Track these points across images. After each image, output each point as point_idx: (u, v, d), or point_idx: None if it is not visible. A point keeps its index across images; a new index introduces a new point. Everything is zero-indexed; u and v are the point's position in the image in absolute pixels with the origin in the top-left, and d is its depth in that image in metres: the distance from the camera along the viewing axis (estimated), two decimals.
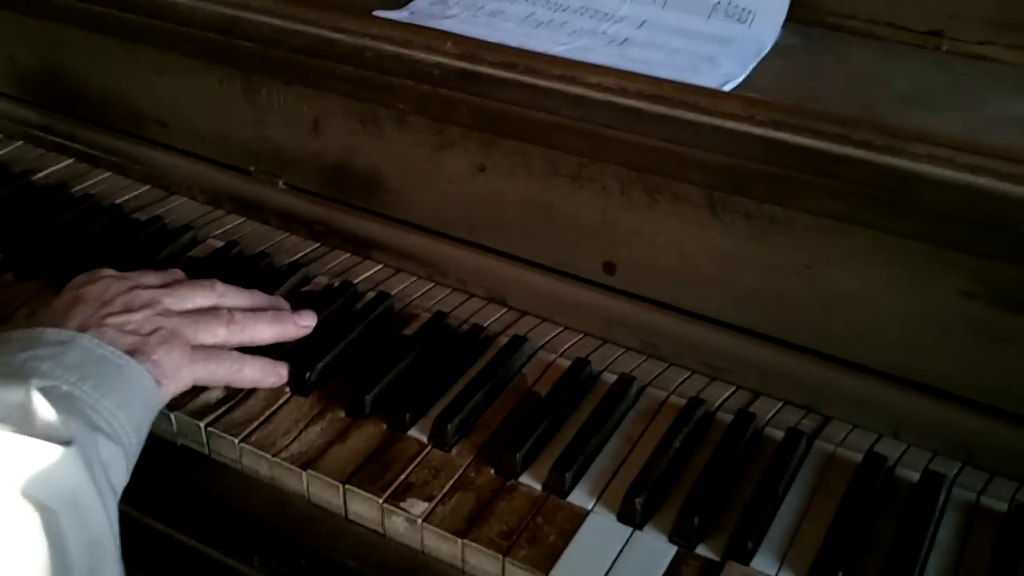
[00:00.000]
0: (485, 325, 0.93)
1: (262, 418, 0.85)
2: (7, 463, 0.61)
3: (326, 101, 0.95)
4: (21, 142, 1.25)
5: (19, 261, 1.01)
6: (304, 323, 0.89)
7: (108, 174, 1.19)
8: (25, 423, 0.63)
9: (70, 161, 1.21)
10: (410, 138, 0.92)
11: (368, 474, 0.79)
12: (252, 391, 0.87)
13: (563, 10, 0.86)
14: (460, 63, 0.81)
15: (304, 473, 0.79)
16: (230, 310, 0.85)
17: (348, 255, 1.03)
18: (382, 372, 0.86)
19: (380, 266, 1.02)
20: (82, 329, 0.74)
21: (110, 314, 0.77)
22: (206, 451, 0.85)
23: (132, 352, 0.75)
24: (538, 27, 0.84)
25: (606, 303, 0.89)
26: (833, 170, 0.68)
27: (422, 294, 0.98)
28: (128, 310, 0.78)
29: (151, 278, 0.86)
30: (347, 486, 0.77)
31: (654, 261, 0.84)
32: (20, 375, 0.67)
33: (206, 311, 0.84)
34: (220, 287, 0.87)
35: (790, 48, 0.84)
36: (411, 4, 0.91)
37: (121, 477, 0.70)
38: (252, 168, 1.07)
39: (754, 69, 0.79)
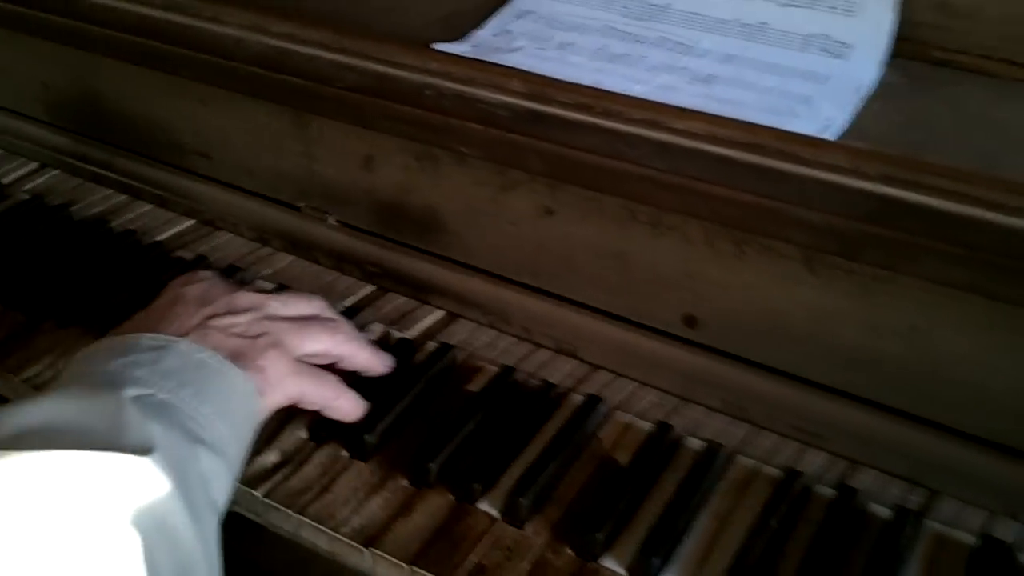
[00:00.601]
0: (555, 380, 0.86)
1: (320, 486, 0.79)
2: (90, 483, 0.57)
3: (380, 137, 0.88)
4: (58, 171, 1.20)
5: (59, 306, 0.96)
6: (388, 362, 0.86)
7: (149, 207, 1.13)
8: (114, 436, 0.59)
9: (109, 192, 1.15)
10: (471, 177, 0.85)
11: (436, 554, 0.73)
12: (309, 456, 0.81)
13: (639, 42, 0.79)
14: (529, 103, 0.74)
15: (367, 551, 0.73)
16: (335, 319, 0.82)
17: (404, 299, 0.96)
18: (447, 436, 0.79)
19: (440, 312, 0.95)
20: (183, 332, 0.71)
21: (214, 315, 0.74)
22: (260, 521, 0.79)
23: (236, 357, 0.71)
24: (613, 61, 0.77)
25: (686, 359, 0.82)
26: (954, 234, 0.61)
27: (485, 344, 0.91)
28: (232, 311, 0.75)
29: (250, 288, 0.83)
30: (415, 568, 0.71)
31: (741, 316, 0.77)
32: (114, 384, 0.63)
33: (310, 318, 0.80)
34: (320, 302, 0.84)
35: (893, 87, 0.77)
36: (473, 35, 0.84)
37: (224, 491, 0.66)
38: (302, 204, 1.00)
39: (854, 112, 0.71)
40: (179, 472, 0.60)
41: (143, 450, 0.59)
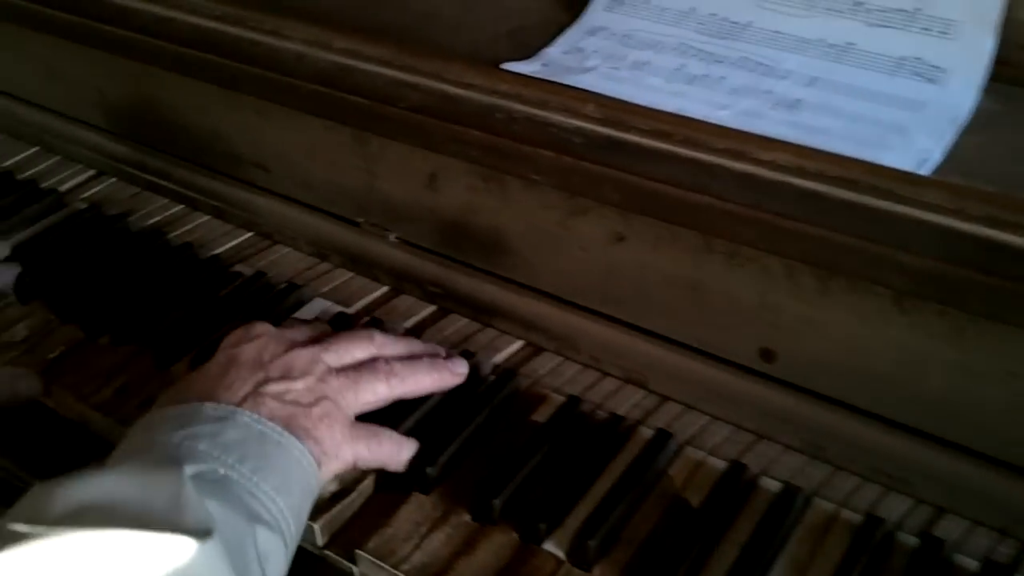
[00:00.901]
0: (622, 411, 0.82)
1: (380, 519, 0.76)
2: (150, 564, 0.56)
3: (445, 157, 0.84)
4: (115, 179, 1.17)
5: (116, 322, 0.95)
6: (459, 370, 0.84)
7: (207, 218, 1.10)
8: (174, 516, 0.58)
9: (166, 201, 1.13)
10: (539, 200, 0.82)
11: None
12: (366, 487, 0.78)
13: (718, 62, 0.75)
14: (604, 129, 0.70)
15: None
16: (388, 361, 0.80)
17: (466, 321, 0.93)
18: (511, 470, 0.77)
19: (506, 336, 0.91)
20: (237, 399, 0.70)
21: (268, 380, 0.72)
22: (318, 553, 0.76)
23: (291, 426, 0.70)
24: (691, 83, 0.73)
25: (762, 394, 0.78)
26: None
27: (550, 371, 0.88)
28: (287, 376, 0.73)
29: (305, 332, 0.82)
30: None
31: (822, 352, 0.73)
32: (175, 459, 0.63)
33: (365, 366, 0.79)
34: (378, 337, 0.82)
35: (991, 115, 0.72)
36: (542, 53, 0.81)
37: (280, 568, 0.65)
38: (361, 220, 0.97)
39: (951, 143, 0.67)
40: (237, 553, 0.59)
41: (202, 532, 0.57)
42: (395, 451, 0.77)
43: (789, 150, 0.65)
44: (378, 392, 0.77)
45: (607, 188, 0.72)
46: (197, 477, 0.61)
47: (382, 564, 0.72)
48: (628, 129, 0.70)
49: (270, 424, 0.68)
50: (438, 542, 0.74)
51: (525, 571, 0.72)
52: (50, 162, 1.23)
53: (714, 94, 0.72)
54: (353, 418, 0.75)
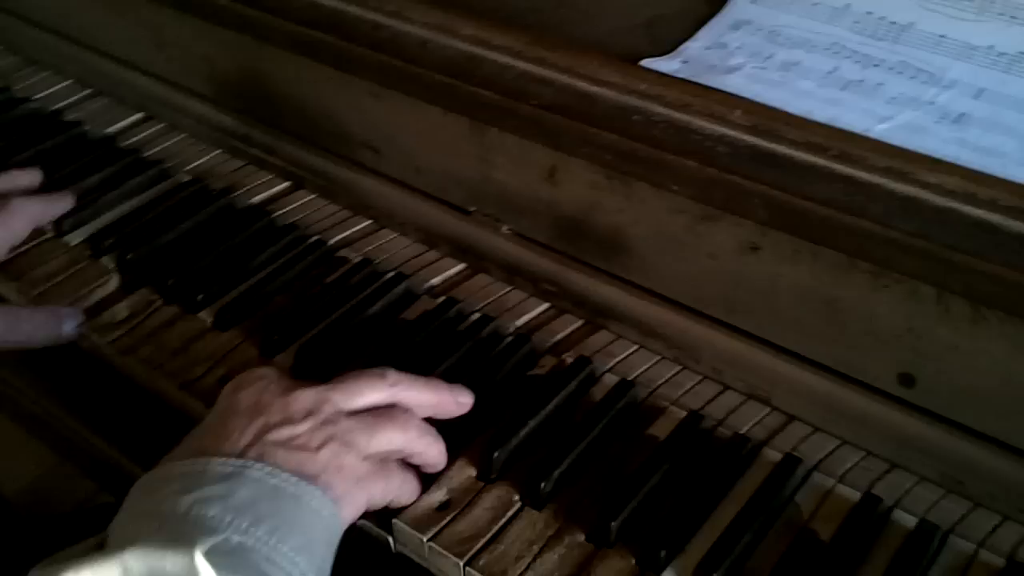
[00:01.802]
0: (744, 428, 0.78)
1: (490, 535, 0.74)
2: None
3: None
4: (220, 150, 1.14)
5: (220, 306, 0.93)
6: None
7: (312, 196, 1.07)
8: None
9: (271, 177, 1.10)
10: (667, 203, 0.78)
11: None
12: (478, 497, 0.76)
13: (875, 66, 0.70)
14: (752, 138, 0.66)
15: None
16: (408, 410, 0.73)
17: (580, 323, 0.89)
18: (629, 491, 0.73)
19: (621, 341, 0.87)
20: (240, 450, 0.64)
21: (269, 426, 0.66)
22: (425, 564, 0.73)
23: (300, 473, 0.64)
24: (846, 89, 0.68)
25: (899, 421, 0.74)
26: None
27: (667, 380, 0.84)
28: (289, 420, 0.67)
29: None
30: None
31: (969, 382, 0.69)
32: (185, 535, 0.58)
33: (383, 412, 0.72)
34: (392, 375, 0.75)
35: None
36: (683, 48, 0.76)
37: None
38: (473, 208, 0.93)
39: None
40: None
41: None
42: (410, 490, 0.74)
43: (958, 173, 0.59)
44: (393, 441, 0.71)
45: (751, 203, 0.67)
46: (211, 551, 0.57)
47: None
48: (779, 140, 0.65)
49: (283, 475, 0.63)
50: (551, 563, 0.71)
51: None
52: (153, 130, 1.19)
53: (872, 103, 0.67)
54: (362, 459, 0.69)
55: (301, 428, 0.67)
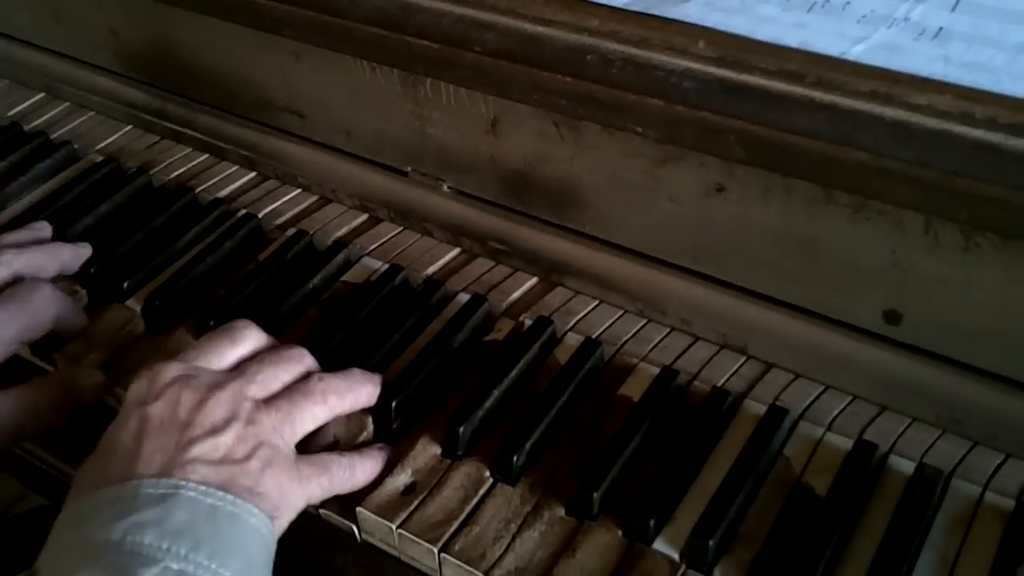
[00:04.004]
0: (720, 381, 0.73)
1: (463, 516, 0.69)
2: None
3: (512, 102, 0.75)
4: (131, 126, 1.07)
5: (149, 294, 0.86)
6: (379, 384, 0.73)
7: (235, 168, 1.00)
8: None
9: (189, 151, 1.03)
10: (621, 147, 0.72)
11: None
12: (446, 476, 0.70)
13: None
14: (720, 71, 0.60)
15: None
16: (321, 376, 0.70)
17: (535, 281, 0.83)
18: (608, 458, 0.68)
19: (575, 295, 0.83)
20: (166, 470, 0.60)
21: (192, 441, 0.62)
22: (395, 553, 0.68)
23: (232, 488, 0.60)
24: (811, 11, 0.63)
25: (887, 360, 0.69)
26: None
27: (634, 335, 0.79)
28: (212, 430, 0.62)
29: (224, 350, 0.70)
30: None
31: (960, 315, 0.65)
32: (122, 568, 0.54)
33: (297, 388, 0.69)
34: (309, 359, 0.72)
35: None
36: None
37: None
38: (409, 168, 0.87)
39: None
40: None
41: None
42: (348, 477, 0.68)
43: (949, 92, 0.55)
44: (317, 416, 0.68)
45: (725, 141, 0.62)
46: None
47: (471, 570, 0.64)
48: (750, 70, 0.60)
49: (218, 494, 0.59)
50: (531, 542, 0.66)
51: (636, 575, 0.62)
52: (58, 110, 1.11)
53: (842, 24, 0.62)
54: (295, 454, 0.66)
55: (226, 439, 0.62)
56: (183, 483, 0.58)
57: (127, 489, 0.58)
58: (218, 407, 0.64)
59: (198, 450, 0.61)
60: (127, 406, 0.64)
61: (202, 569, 0.55)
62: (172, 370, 0.65)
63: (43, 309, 0.79)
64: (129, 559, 0.54)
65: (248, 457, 0.62)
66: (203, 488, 0.59)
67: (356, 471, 0.69)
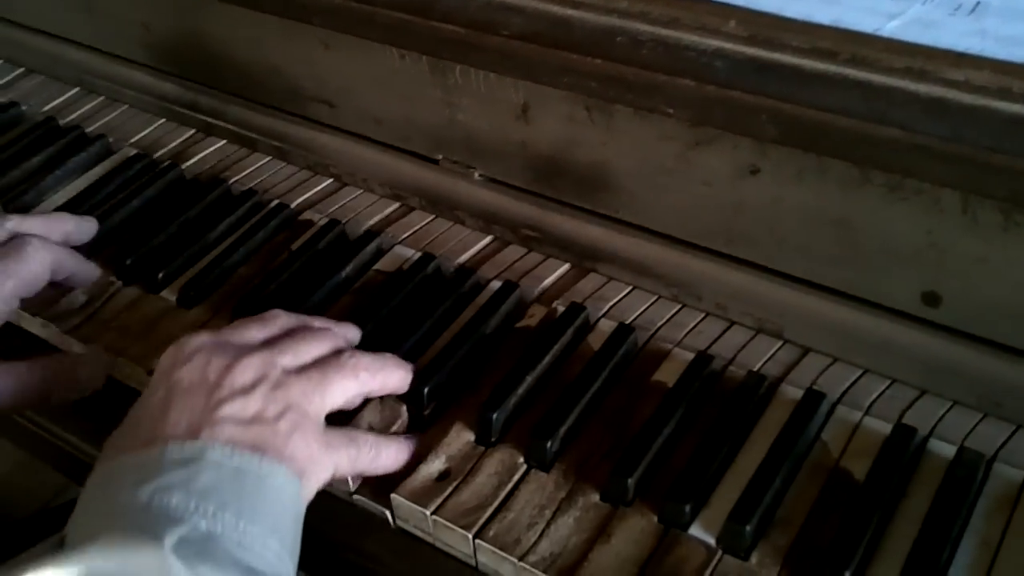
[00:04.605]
0: (756, 365, 0.72)
1: (497, 502, 0.68)
2: None
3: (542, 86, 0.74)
4: (164, 120, 1.07)
5: (184, 284, 0.87)
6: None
7: (267, 159, 1.00)
8: None
9: (222, 143, 1.03)
10: (653, 131, 0.72)
11: None
12: (480, 463, 0.70)
13: None
14: (752, 49, 0.60)
15: None
16: (353, 352, 0.69)
17: (567, 267, 0.83)
18: (643, 444, 0.67)
19: (608, 281, 0.83)
20: (193, 430, 0.59)
21: (221, 401, 0.61)
22: (430, 539, 0.68)
23: (259, 449, 0.60)
24: None
25: (925, 343, 0.68)
26: None
27: (668, 321, 0.78)
28: (242, 391, 0.62)
29: (253, 331, 0.69)
30: None
31: (1001, 296, 0.63)
32: (150, 528, 0.54)
33: (329, 361, 0.68)
34: (338, 329, 0.72)
35: None
36: None
37: None
38: (440, 156, 0.87)
39: None
40: None
41: None
42: (373, 456, 0.68)
43: (986, 67, 0.54)
44: (348, 390, 0.67)
45: (758, 121, 0.61)
46: (180, 543, 0.53)
47: (506, 555, 0.64)
48: (782, 48, 0.59)
49: (245, 456, 0.59)
50: (566, 528, 0.65)
51: (671, 561, 0.63)
52: (92, 104, 1.12)
53: (875, 1, 0.60)
54: (323, 424, 0.65)
55: (254, 399, 0.62)
56: (208, 445, 0.58)
57: (153, 452, 0.58)
58: (247, 370, 0.63)
59: (227, 410, 0.61)
60: (157, 373, 0.64)
61: (229, 528, 0.55)
62: (201, 338, 0.65)
63: (35, 258, 0.79)
64: (156, 519, 0.54)
65: (277, 418, 0.62)
66: (229, 450, 0.58)
67: (381, 453, 0.68)
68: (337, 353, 0.70)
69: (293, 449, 0.61)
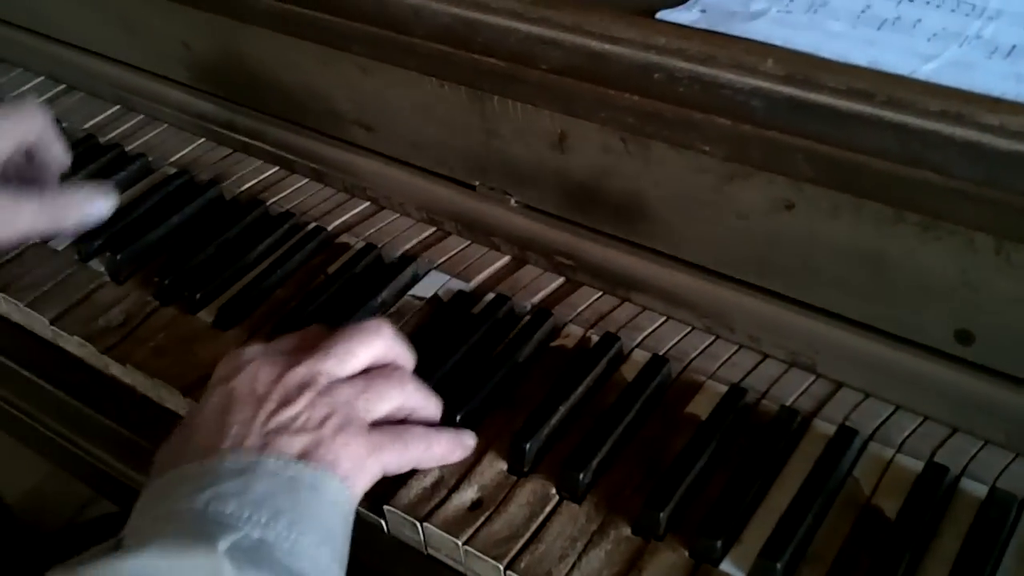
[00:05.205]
0: (790, 401, 0.72)
1: (529, 533, 0.69)
2: None
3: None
4: (203, 139, 1.08)
5: (221, 305, 0.88)
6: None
7: (305, 181, 1.01)
8: None
9: (259, 164, 1.04)
10: (689, 163, 0.72)
11: None
12: (512, 493, 0.70)
13: (910, 0, 0.63)
14: (788, 89, 0.60)
15: None
16: (398, 367, 0.71)
17: (600, 295, 0.83)
18: (675, 477, 0.67)
19: (642, 311, 0.83)
20: (248, 441, 0.62)
21: (270, 414, 0.64)
22: (461, 568, 0.69)
23: (307, 456, 0.62)
24: (882, 28, 0.62)
25: (958, 381, 0.69)
26: None
27: (701, 352, 0.78)
28: (288, 400, 0.64)
29: (300, 339, 0.71)
30: None
31: None
32: (205, 533, 0.56)
33: (376, 371, 0.70)
34: (387, 329, 0.72)
35: None
36: None
37: None
38: (477, 183, 0.87)
39: None
40: None
41: None
42: (423, 448, 0.69)
43: (1022, 111, 0.53)
44: (393, 399, 0.68)
45: (793, 160, 0.61)
46: (232, 548, 0.55)
47: None
48: (819, 89, 0.59)
49: (298, 466, 0.61)
50: (598, 561, 0.66)
51: None
52: (132, 122, 1.13)
53: (912, 41, 0.61)
54: (369, 426, 0.66)
55: (299, 406, 0.64)
56: (263, 456, 0.60)
57: (209, 463, 0.60)
58: (294, 378, 0.65)
59: (276, 421, 0.63)
60: (211, 384, 0.67)
61: (282, 538, 0.57)
62: (254, 350, 0.68)
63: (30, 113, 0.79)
64: (211, 526, 0.56)
65: (322, 422, 0.64)
66: (282, 461, 0.61)
67: (433, 445, 0.69)
68: (384, 366, 0.71)
69: (338, 451, 0.63)
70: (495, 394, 0.75)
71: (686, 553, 0.65)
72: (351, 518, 0.63)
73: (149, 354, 0.84)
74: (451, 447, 0.71)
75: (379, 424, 0.68)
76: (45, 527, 1.69)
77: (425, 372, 0.75)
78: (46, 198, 0.77)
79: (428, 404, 0.71)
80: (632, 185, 0.78)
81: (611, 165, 0.78)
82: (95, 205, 0.80)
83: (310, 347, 0.70)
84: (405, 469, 0.70)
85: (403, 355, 0.72)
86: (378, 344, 0.70)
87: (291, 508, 0.59)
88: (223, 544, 0.55)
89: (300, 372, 0.66)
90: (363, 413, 0.66)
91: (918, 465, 0.68)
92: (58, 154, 0.82)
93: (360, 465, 0.64)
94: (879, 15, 0.65)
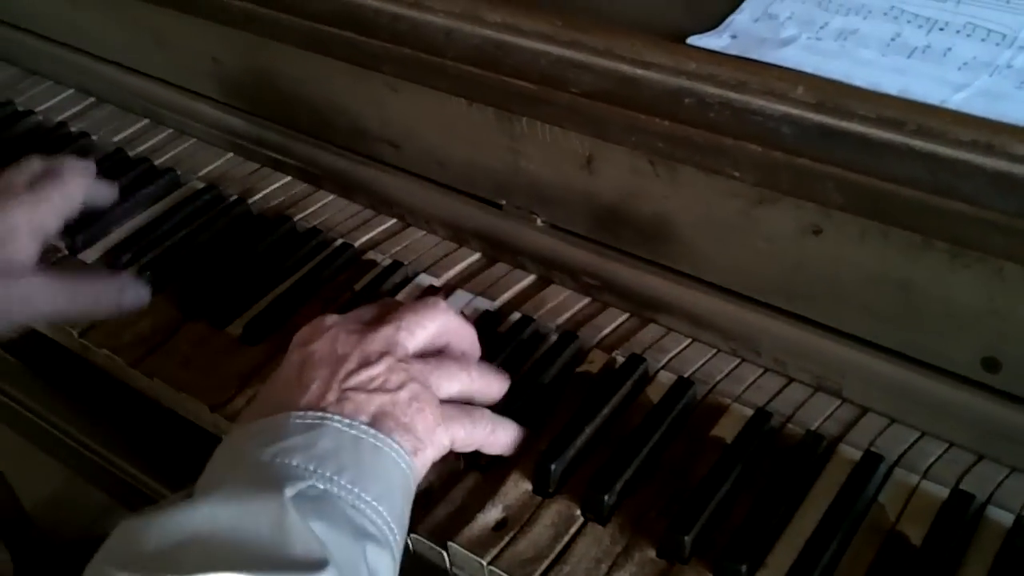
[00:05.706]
0: (815, 425, 0.72)
1: (554, 554, 0.69)
2: None
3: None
4: (232, 154, 1.09)
5: (248, 321, 0.88)
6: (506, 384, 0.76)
7: (332, 197, 1.01)
8: (281, 546, 0.55)
9: (287, 180, 1.04)
10: (717, 187, 0.72)
11: None
12: (538, 513, 0.70)
13: (940, 29, 0.64)
14: (819, 116, 0.60)
15: None
16: (462, 351, 0.75)
17: (626, 317, 0.83)
18: (700, 500, 0.67)
19: (668, 333, 0.83)
20: (321, 400, 0.64)
21: (349, 373, 0.66)
22: None
23: (381, 417, 0.64)
24: (912, 57, 0.63)
25: (985, 408, 0.68)
26: None
27: (727, 375, 0.78)
28: (366, 363, 0.67)
29: (373, 312, 0.75)
30: None
31: None
32: (272, 481, 0.58)
33: (444, 354, 0.73)
34: (443, 303, 0.74)
35: None
36: (729, 21, 0.70)
37: None
38: (504, 202, 0.88)
39: None
40: None
41: (315, 564, 0.54)
42: (490, 431, 0.71)
43: None
44: (460, 380, 0.71)
45: (823, 187, 0.62)
46: (298, 497, 0.57)
47: None
48: (850, 117, 0.59)
49: (363, 427, 0.63)
50: None
51: None
52: (161, 136, 1.14)
53: (942, 70, 0.61)
54: (440, 400, 0.68)
55: (378, 369, 0.67)
56: (329, 416, 0.63)
57: (278, 419, 0.63)
58: (373, 343, 0.68)
59: (353, 380, 0.65)
60: (292, 347, 0.70)
61: (345, 491, 0.59)
62: (333, 318, 0.71)
63: (72, 181, 0.89)
64: (277, 475, 0.58)
65: (399, 387, 0.66)
66: (348, 421, 0.63)
67: (498, 431, 0.71)
68: (447, 348, 0.74)
69: (413, 417, 0.65)
70: (521, 415, 0.75)
71: None
72: (412, 484, 0.65)
73: (175, 368, 0.84)
74: (514, 436, 0.73)
75: (447, 403, 0.70)
76: (62, 535, 1.70)
77: None
78: (81, 284, 0.80)
79: (491, 390, 0.73)
80: (660, 207, 0.78)
81: (639, 187, 0.78)
82: (127, 295, 0.86)
83: (384, 316, 0.72)
84: (470, 448, 0.71)
85: (465, 331, 0.75)
86: (441, 317, 0.72)
87: (354, 465, 0.61)
88: (289, 491, 0.57)
89: (379, 338, 0.68)
90: (434, 385, 0.69)
91: (944, 492, 0.68)
92: (104, 196, 0.91)
93: (431, 433, 0.66)
94: (909, 43, 0.65)
